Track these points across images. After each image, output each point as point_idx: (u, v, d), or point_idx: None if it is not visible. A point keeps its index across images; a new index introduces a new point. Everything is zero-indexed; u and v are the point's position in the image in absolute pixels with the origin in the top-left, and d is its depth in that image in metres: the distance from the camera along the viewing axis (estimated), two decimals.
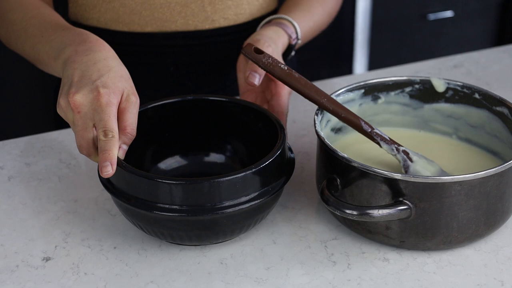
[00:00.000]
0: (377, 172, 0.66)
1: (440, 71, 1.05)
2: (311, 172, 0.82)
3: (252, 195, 0.67)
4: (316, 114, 0.74)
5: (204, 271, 0.68)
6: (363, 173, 0.67)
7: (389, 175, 0.66)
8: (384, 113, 0.82)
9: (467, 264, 0.68)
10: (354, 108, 0.80)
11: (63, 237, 0.72)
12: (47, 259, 0.70)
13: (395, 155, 0.74)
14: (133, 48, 0.94)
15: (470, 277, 0.67)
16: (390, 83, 0.81)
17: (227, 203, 0.66)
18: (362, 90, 0.80)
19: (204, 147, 0.80)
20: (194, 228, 0.68)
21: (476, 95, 0.79)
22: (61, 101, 0.69)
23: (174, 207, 0.66)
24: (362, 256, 0.70)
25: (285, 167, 0.71)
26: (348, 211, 0.65)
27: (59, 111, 0.70)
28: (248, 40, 0.83)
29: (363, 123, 0.74)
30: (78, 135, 0.68)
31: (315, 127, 0.73)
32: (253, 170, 0.66)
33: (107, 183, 0.69)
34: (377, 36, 1.95)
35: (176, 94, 0.88)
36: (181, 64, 0.96)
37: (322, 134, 0.71)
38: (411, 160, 0.73)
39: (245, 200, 0.66)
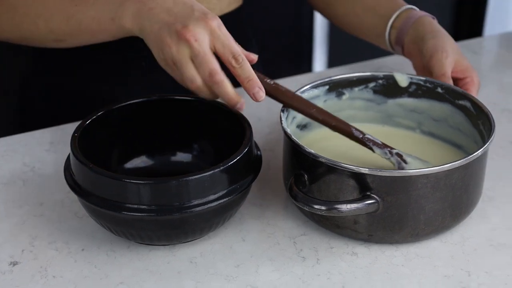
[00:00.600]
0: (344, 167, 0.66)
1: (402, 66, 1.06)
2: (277, 169, 0.82)
3: (221, 193, 0.67)
4: (282, 111, 0.75)
5: (174, 270, 0.68)
6: (330, 168, 0.67)
7: (356, 169, 0.66)
8: (348, 109, 0.83)
9: (434, 256, 0.69)
10: (319, 105, 0.80)
11: (29, 240, 0.71)
12: (14, 263, 0.69)
13: (388, 158, 0.74)
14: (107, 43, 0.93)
15: (437, 268, 0.68)
16: (354, 79, 0.82)
17: (195, 202, 0.66)
18: (327, 87, 0.81)
19: (170, 147, 0.79)
20: (163, 228, 0.67)
21: (439, 89, 0.80)
22: (170, 42, 0.68)
23: (143, 207, 0.65)
24: (331, 251, 0.70)
25: (252, 164, 0.71)
26: (316, 207, 0.66)
27: (165, 64, 0.70)
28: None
29: (353, 130, 0.75)
30: (202, 63, 0.68)
31: (281, 123, 0.73)
32: (221, 168, 0.66)
33: (73, 184, 0.69)
34: (336, 33, 1.97)
35: (148, 91, 0.88)
36: (154, 60, 0.95)
37: (288, 130, 0.72)
38: (405, 162, 0.74)
39: (213, 198, 0.66)
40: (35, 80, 0.98)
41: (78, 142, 0.70)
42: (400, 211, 0.67)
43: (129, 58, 0.94)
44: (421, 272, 0.67)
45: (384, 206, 0.67)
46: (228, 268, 0.68)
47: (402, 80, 0.81)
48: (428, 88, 0.81)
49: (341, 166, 0.67)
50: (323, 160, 0.67)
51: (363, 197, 0.67)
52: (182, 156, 0.79)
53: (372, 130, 0.82)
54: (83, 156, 0.68)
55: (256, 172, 0.71)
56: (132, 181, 0.65)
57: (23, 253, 0.70)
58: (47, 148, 0.86)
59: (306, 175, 0.70)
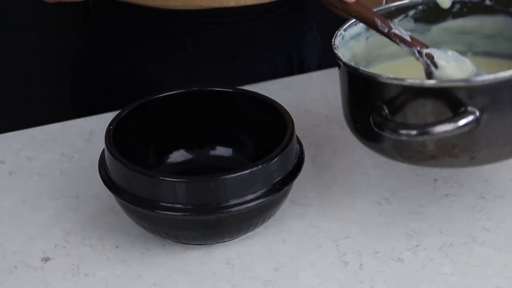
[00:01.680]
0: (434, 85, 0.60)
1: None
2: (323, 165, 0.78)
3: (260, 193, 0.64)
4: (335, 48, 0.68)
5: (210, 272, 0.65)
6: (418, 91, 0.61)
7: (448, 84, 0.60)
8: (391, 44, 0.73)
9: (486, 265, 0.65)
10: (361, 43, 0.74)
11: (63, 235, 0.70)
12: (46, 259, 0.67)
13: (417, 59, 0.67)
14: (155, 26, 0.91)
15: (489, 279, 0.63)
16: (392, 9, 0.75)
17: (233, 202, 0.63)
18: None
19: (210, 140, 0.76)
20: (199, 228, 0.65)
21: (487, 2, 0.73)
22: None
23: (178, 206, 0.62)
24: (376, 256, 0.66)
25: (294, 161, 0.67)
26: (404, 132, 0.59)
27: None
28: None
29: (378, 21, 0.67)
30: None
31: (340, 60, 0.66)
32: (260, 166, 0.63)
33: (107, 180, 0.67)
34: None
35: (193, 78, 0.86)
36: (200, 44, 0.92)
37: (352, 64, 0.65)
38: (435, 65, 0.66)
39: (252, 198, 0.63)
40: (85, 65, 0.97)
41: (113, 135, 0.68)
42: (504, 122, 0.60)
43: (173, 44, 0.92)
44: (471, 282, 0.63)
45: (484, 120, 0.59)
46: (267, 272, 0.65)
47: (444, 1, 0.74)
48: (474, 4, 0.73)
49: (431, 85, 0.60)
50: (408, 83, 0.60)
51: (459, 113, 0.59)
52: (221, 150, 0.76)
53: (419, 63, 0.72)
54: (118, 149, 0.66)
55: (298, 170, 0.67)
56: (166, 178, 0.63)
57: (56, 249, 0.68)
58: (86, 138, 0.84)
59: (385, 107, 0.63)
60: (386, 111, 0.63)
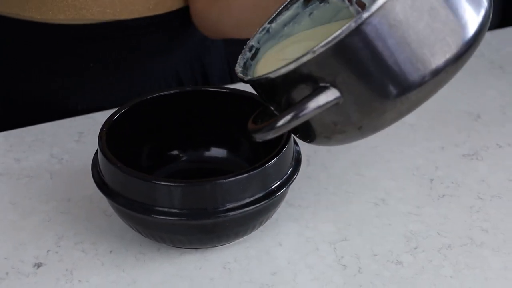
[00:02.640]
0: (282, 70, 0.57)
1: None
2: (318, 166, 0.77)
3: (257, 196, 0.63)
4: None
5: (206, 277, 0.64)
6: (272, 81, 0.59)
7: (285, 69, 0.57)
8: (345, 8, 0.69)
9: (485, 267, 0.64)
10: (305, 21, 0.69)
11: (55, 240, 0.68)
12: (38, 265, 0.65)
13: (347, 7, 0.63)
14: (50, 42, 0.88)
15: (489, 281, 0.63)
16: None
17: (230, 206, 0.62)
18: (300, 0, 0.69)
19: (204, 141, 0.75)
20: (195, 232, 0.63)
21: None
22: None
23: (173, 210, 0.61)
24: (374, 259, 0.65)
25: (292, 163, 0.66)
26: (280, 123, 0.57)
27: None
28: None
29: None
30: None
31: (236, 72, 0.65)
32: (258, 169, 0.62)
33: (101, 183, 0.65)
34: None
35: (98, 91, 0.86)
36: (102, 59, 0.90)
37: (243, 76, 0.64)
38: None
39: (249, 202, 0.62)
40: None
41: (107, 137, 0.67)
42: (361, 88, 0.56)
43: (72, 60, 0.90)
44: (471, 285, 0.63)
45: (342, 90, 0.56)
46: (264, 276, 0.64)
47: None
48: None
49: (279, 71, 0.57)
50: (268, 76, 0.58)
51: (316, 91, 0.57)
52: (216, 152, 0.75)
53: None
54: (112, 151, 0.65)
55: (296, 171, 0.67)
56: (162, 183, 0.61)
57: (48, 254, 0.67)
58: (76, 138, 0.83)
59: (272, 107, 0.62)
60: (273, 108, 0.62)
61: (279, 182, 0.64)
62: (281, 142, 0.65)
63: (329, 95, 0.56)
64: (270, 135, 0.58)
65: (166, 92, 0.73)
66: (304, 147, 0.79)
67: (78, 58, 0.89)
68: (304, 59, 0.56)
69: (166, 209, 0.61)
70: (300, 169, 0.72)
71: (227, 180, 0.61)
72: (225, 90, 0.73)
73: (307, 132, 0.62)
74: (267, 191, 0.63)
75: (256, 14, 0.80)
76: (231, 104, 0.73)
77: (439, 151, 0.80)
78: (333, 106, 0.57)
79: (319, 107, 0.57)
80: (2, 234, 0.69)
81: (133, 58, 0.91)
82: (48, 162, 0.79)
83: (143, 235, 0.66)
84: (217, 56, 1.01)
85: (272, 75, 0.58)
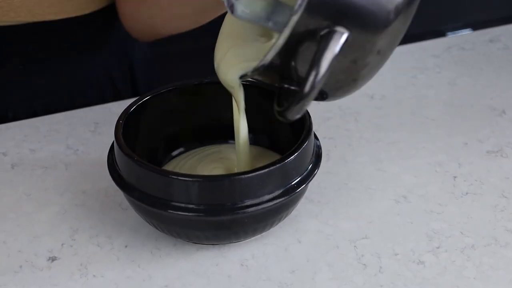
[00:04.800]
0: (273, 48, 0.55)
1: (474, 45, 0.98)
2: (338, 160, 0.76)
3: (277, 192, 0.61)
4: None
5: (224, 274, 0.63)
6: (270, 64, 0.56)
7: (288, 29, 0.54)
8: None
9: (510, 268, 0.63)
10: None
11: (70, 233, 0.67)
12: (53, 259, 0.65)
13: None
14: None
15: None
16: None
17: (249, 202, 0.60)
18: None
19: (223, 133, 0.74)
20: (212, 228, 0.62)
21: None
22: None
23: (190, 206, 0.60)
24: (395, 258, 0.64)
25: (312, 158, 0.65)
26: (306, 88, 0.54)
27: None
28: None
29: None
30: None
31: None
32: (278, 165, 0.61)
33: (116, 176, 0.64)
34: None
35: (27, 96, 0.85)
36: (31, 61, 0.89)
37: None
38: None
39: (269, 198, 0.61)
40: None
41: (123, 129, 0.66)
42: (362, 10, 0.54)
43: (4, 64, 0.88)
44: (495, 287, 0.61)
45: (345, 24, 0.54)
46: (283, 274, 0.63)
47: None
48: None
49: (267, 58, 0.55)
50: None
51: (320, 43, 0.54)
52: (234, 146, 0.74)
53: None
54: (128, 144, 0.64)
55: (317, 167, 0.65)
56: (179, 177, 0.60)
57: (63, 248, 0.66)
58: (92, 129, 0.82)
59: (285, 85, 0.60)
60: (287, 86, 0.60)
61: (299, 178, 0.63)
62: (301, 136, 0.64)
63: (337, 37, 0.54)
64: (303, 106, 0.55)
65: (183, 84, 0.71)
66: (323, 141, 0.78)
67: (7, 59, 0.88)
68: (295, 18, 0.53)
69: (183, 205, 0.60)
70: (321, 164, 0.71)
71: (246, 176, 0.60)
72: (244, 83, 0.72)
73: (333, 87, 0.59)
74: (286, 187, 0.62)
75: (187, 5, 0.79)
76: (249, 97, 0.71)
77: (462, 147, 0.78)
78: (344, 45, 0.54)
79: (335, 54, 0.54)
80: (17, 227, 0.68)
81: (63, 58, 0.90)
82: (63, 153, 0.78)
83: (159, 230, 0.65)
84: (141, 51, 1.00)
85: (267, 59, 0.56)
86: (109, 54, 0.94)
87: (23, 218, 0.69)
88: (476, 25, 1.77)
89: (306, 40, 0.55)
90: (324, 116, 0.83)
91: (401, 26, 0.57)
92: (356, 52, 0.56)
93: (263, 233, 0.66)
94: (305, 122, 0.66)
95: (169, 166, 0.72)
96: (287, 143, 0.67)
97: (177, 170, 0.70)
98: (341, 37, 0.54)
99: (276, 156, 0.70)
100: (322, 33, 0.54)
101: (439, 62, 0.94)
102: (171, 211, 0.60)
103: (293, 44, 0.55)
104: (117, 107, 0.85)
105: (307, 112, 0.67)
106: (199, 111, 0.73)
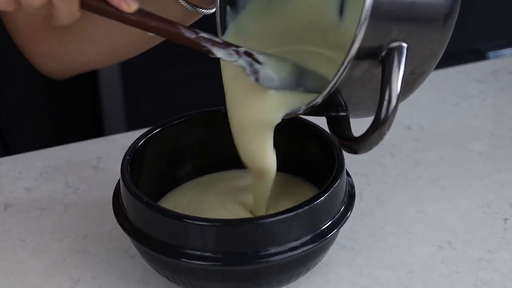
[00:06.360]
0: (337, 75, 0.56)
1: None
2: (372, 201, 0.75)
3: (305, 239, 0.60)
4: None
5: None
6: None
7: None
8: None
9: None
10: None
11: (70, 284, 0.66)
12: None
13: (236, 61, 0.61)
14: None
15: None
16: None
17: (273, 250, 0.59)
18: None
19: (237, 166, 0.73)
20: (232, 280, 0.61)
21: None
22: None
23: (207, 254, 0.59)
24: None
25: (344, 199, 0.64)
26: (382, 116, 0.55)
27: None
28: None
29: (183, 29, 0.60)
30: None
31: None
32: (306, 207, 0.60)
33: (123, 220, 0.63)
34: None
35: None
36: None
37: None
38: (258, 61, 0.61)
39: (295, 246, 0.60)
40: None
41: (131, 165, 0.65)
42: (414, 17, 0.56)
43: None
44: None
45: (403, 37, 0.56)
46: None
47: None
48: None
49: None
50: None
51: (384, 63, 0.56)
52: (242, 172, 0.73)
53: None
54: (135, 182, 0.63)
55: (349, 209, 0.64)
56: (194, 221, 0.59)
57: None
58: (94, 164, 0.81)
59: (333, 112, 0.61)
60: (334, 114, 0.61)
61: (330, 222, 0.62)
62: (332, 175, 0.63)
63: (400, 53, 0.55)
64: (382, 135, 0.55)
65: (194, 113, 0.71)
66: (355, 178, 0.76)
67: None
68: (356, 46, 0.54)
69: (198, 253, 0.59)
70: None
71: (269, 219, 0.59)
72: None
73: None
74: (316, 232, 0.61)
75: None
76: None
77: None
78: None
79: (403, 71, 0.55)
80: (9, 276, 0.67)
81: None
82: (62, 192, 0.77)
83: (171, 281, 0.63)
84: None
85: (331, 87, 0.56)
86: None
87: (16, 267, 0.68)
88: None
89: (365, 65, 0.55)
90: None
91: (452, 21, 0.59)
92: (414, 62, 0.57)
93: (289, 285, 0.65)
94: (335, 157, 0.65)
95: (173, 198, 0.71)
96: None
97: (181, 203, 0.69)
98: (404, 52, 0.55)
99: (297, 182, 0.71)
100: (383, 53, 0.55)
101: (484, 88, 0.93)
102: (185, 260, 0.59)
103: (350, 74, 0.55)
104: (122, 139, 0.84)
105: (337, 145, 0.66)
106: (212, 141, 0.73)
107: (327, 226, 0.61)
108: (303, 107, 0.60)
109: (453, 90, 0.93)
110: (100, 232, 0.72)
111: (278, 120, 0.63)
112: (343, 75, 0.55)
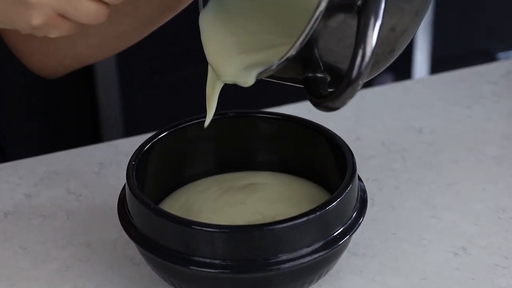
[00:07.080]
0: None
1: None
2: (384, 206, 0.75)
3: (316, 245, 0.61)
4: None
5: None
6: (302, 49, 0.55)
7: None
8: None
9: None
10: None
11: None
12: None
13: None
14: None
15: None
16: None
17: (284, 257, 0.60)
18: None
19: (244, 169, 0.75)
20: (242, 287, 0.62)
21: None
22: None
23: (216, 262, 0.60)
24: None
25: (356, 204, 0.65)
26: (354, 73, 0.53)
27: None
28: None
29: None
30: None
31: None
32: (318, 213, 0.60)
33: (128, 226, 0.64)
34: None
35: None
36: None
37: None
38: None
39: (307, 252, 0.60)
40: None
41: (137, 171, 0.65)
42: None
43: None
44: None
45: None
46: None
47: None
48: None
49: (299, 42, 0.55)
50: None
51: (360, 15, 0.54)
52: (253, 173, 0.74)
53: None
54: (140, 187, 0.64)
55: (362, 215, 0.65)
56: (203, 228, 0.60)
57: None
58: (96, 170, 0.82)
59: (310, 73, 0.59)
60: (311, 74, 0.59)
61: (342, 228, 0.62)
62: (344, 180, 0.63)
63: (378, 4, 0.53)
64: (355, 91, 0.54)
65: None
66: (367, 183, 0.77)
67: None
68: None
69: (207, 260, 0.60)
70: None
71: (280, 226, 0.59)
72: (275, 117, 0.73)
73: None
74: (327, 239, 0.61)
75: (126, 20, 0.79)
76: (282, 132, 0.73)
77: None
78: (384, 12, 0.54)
79: (381, 23, 0.53)
80: (11, 286, 0.68)
81: None
82: (64, 198, 0.78)
83: None
84: None
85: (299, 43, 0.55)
86: None
87: (18, 276, 0.69)
88: None
89: (340, 16, 0.54)
90: (365, 154, 0.83)
91: None
92: (394, 17, 0.57)
93: None
94: (347, 161, 0.66)
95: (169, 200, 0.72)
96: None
97: (188, 205, 0.70)
98: (382, 3, 0.53)
99: (308, 186, 0.72)
100: (359, 3, 0.53)
101: (497, 90, 0.94)
102: (193, 268, 0.60)
103: (324, 24, 0.54)
104: (124, 145, 0.85)
105: (349, 150, 0.67)
106: (222, 146, 0.74)
107: (339, 233, 0.62)
108: (276, 62, 0.57)
109: (465, 92, 0.94)
110: (104, 240, 0.72)
111: (252, 81, 0.61)
112: (317, 21, 0.53)
